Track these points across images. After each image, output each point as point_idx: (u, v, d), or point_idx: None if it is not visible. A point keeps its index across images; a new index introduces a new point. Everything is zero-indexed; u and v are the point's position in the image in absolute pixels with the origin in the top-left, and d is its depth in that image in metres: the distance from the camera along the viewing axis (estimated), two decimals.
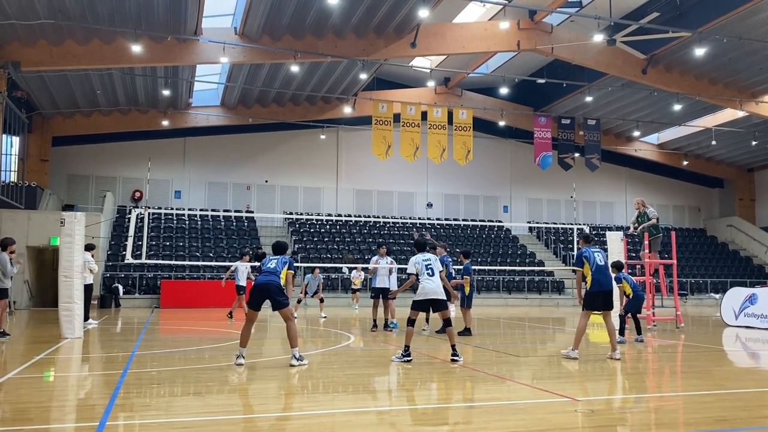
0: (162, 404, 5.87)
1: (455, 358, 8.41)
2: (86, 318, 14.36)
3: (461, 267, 12.87)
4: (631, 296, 11.40)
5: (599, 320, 10.56)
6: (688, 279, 30.55)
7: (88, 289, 14.07)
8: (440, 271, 8.88)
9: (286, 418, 5.43)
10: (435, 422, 5.33)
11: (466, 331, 11.97)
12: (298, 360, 8.02)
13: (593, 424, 5.19)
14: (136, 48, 19.60)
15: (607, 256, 9.38)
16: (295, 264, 8.67)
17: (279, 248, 8.72)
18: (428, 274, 8.69)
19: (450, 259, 12.69)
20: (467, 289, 12.42)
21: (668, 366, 9.03)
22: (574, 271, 9.67)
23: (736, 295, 15.63)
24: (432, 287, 8.60)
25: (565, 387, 6.81)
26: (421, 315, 10.17)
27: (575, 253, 10.36)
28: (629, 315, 11.52)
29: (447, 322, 8.72)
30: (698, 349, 10.58)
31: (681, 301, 13.26)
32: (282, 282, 8.09)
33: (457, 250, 22.75)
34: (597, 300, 8.91)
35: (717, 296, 27.32)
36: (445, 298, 8.80)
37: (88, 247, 14.02)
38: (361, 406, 5.98)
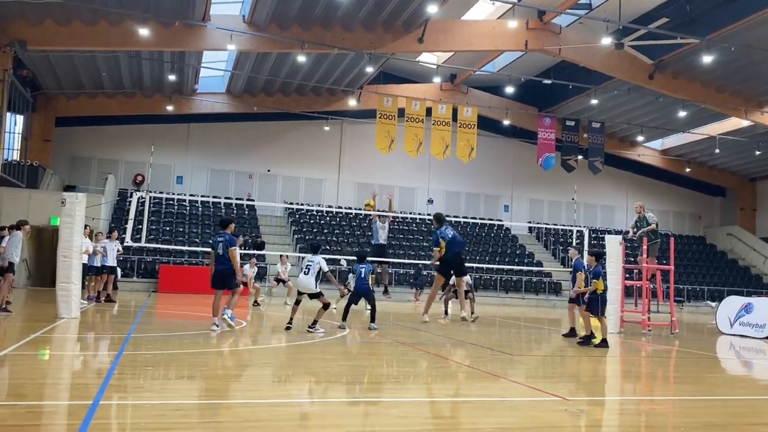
0: (155, 386, 5.91)
1: (310, 329, 10.31)
2: (97, 299, 15.21)
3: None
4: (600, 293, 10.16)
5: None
6: (685, 286, 30.59)
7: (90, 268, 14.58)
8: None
9: (278, 405, 5.46)
10: (425, 416, 5.36)
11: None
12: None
13: (581, 424, 5.23)
14: (143, 31, 19.58)
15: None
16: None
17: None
18: (304, 272, 10.47)
19: (584, 263, 11.11)
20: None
21: (661, 370, 9.06)
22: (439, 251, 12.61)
23: (732, 303, 15.62)
24: (302, 283, 10.51)
25: (557, 386, 6.84)
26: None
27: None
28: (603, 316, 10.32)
29: (326, 306, 10.39)
30: (691, 356, 10.61)
31: (677, 307, 13.24)
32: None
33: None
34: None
35: (713, 304, 27.30)
36: (316, 291, 10.32)
37: None
38: (344, 398, 6.01)
